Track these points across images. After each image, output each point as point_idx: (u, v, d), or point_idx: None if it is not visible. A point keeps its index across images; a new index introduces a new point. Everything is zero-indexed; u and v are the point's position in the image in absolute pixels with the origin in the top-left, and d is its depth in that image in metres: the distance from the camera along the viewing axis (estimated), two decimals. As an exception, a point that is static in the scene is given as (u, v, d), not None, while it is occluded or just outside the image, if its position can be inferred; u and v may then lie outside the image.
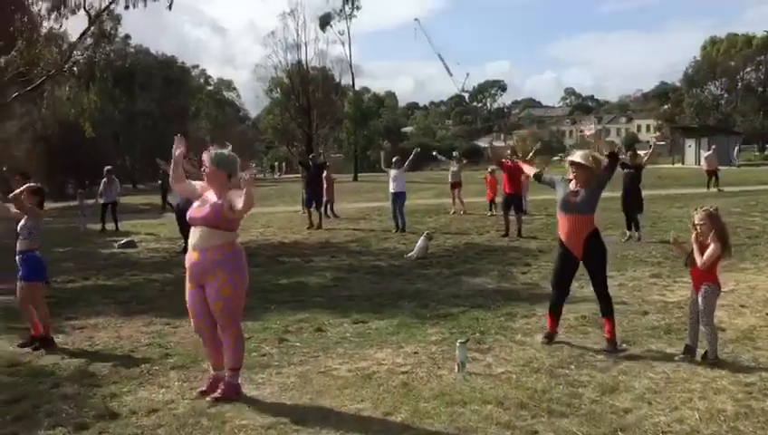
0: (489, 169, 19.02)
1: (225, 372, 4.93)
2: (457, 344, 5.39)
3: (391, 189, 15.62)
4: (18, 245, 6.60)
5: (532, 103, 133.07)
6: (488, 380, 5.10)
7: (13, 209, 6.78)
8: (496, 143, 78.19)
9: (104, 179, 18.66)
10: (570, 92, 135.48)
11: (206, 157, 4.90)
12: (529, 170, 6.86)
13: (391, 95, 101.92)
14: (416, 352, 5.86)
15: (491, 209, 18.00)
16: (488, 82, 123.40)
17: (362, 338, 6.39)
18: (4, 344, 6.64)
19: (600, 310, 5.95)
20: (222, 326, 4.85)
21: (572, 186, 5.84)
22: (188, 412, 4.61)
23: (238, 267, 4.86)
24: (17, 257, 6.59)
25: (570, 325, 6.50)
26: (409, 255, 11.49)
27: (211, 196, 4.88)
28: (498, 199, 16.21)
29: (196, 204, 4.94)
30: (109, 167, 19.18)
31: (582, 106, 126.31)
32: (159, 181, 26.09)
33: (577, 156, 5.85)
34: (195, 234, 4.83)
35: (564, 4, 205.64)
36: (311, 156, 20.47)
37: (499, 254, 11.66)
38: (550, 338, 6.04)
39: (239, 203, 4.67)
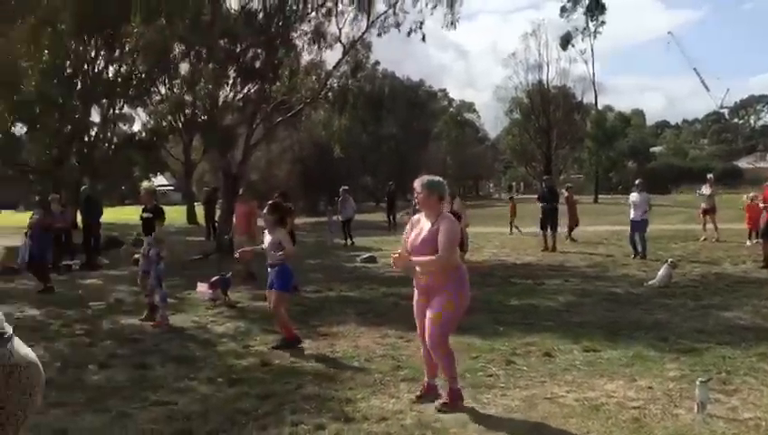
0: (750, 195, 17.31)
1: (444, 381, 5.20)
2: (698, 383, 4.98)
3: (630, 216, 14.85)
4: (269, 258, 7.37)
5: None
6: (732, 425, 4.66)
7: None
8: (760, 164, 70.75)
9: (340, 198, 20.13)
10: None
11: (417, 183, 5.18)
12: None
13: (638, 113, 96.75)
14: (650, 387, 5.52)
15: (750, 238, 16.36)
16: (753, 98, 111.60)
17: (592, 367, 6.17)
18: (259, 346, 7.42)
19: None
20: (432, 339, 5.04)
21: None
22: (415, 424, 4.80)
23: (462, 287, 5.08)
24: (269, 269, 7.37)
25: (839, 373, 5.71)
26: (650, 283, 10.84)
27: (425, 222, 5.14)
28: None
29: (413, 232, 5.22)
30: (345, 187, 20.69)
31: None
32: (387, 199, 27.31)
33: None
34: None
35: None
36: (544, 178, 20.23)
37: (756, 287, 10.56)
38: (812, 386, 5.36)
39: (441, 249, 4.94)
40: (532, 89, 54.41)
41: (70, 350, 7.45)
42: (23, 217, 22.56)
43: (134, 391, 5.78)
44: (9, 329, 2.55)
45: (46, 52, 20.66)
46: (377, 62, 48.96)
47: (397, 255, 5.20)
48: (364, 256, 15.58)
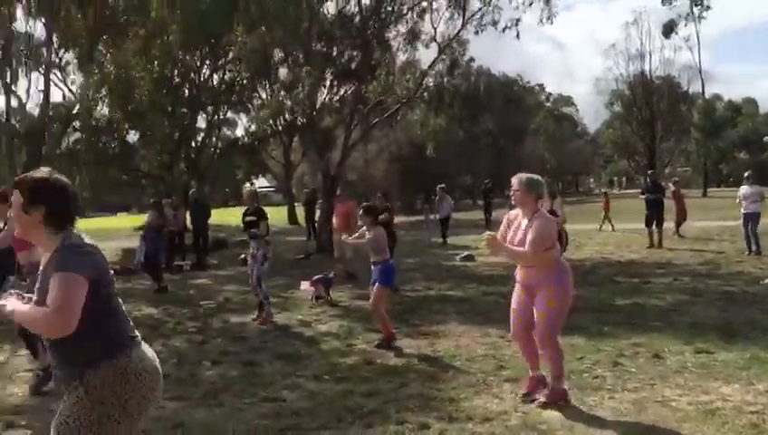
0: None
1: (543, 375, 5.24)
2: (823, 388, 4.71)
3: (742, 209, 14.08)
4: (372, 256, 7.53)
5: None
6: None
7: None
8: None
9: (437, 196, 20.19)
10: None
11: (514, 181, 5.17)
12: None
13: (750, 101, 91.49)
14: (770, 391, 5.26)
15: None
16: None
17: (705, 369, 5.92)
18: (362, 344, 7.56)
19: None
20: (541, 339, 5.10)
21: None
22: (520, 425, 4.76)
23: (564, 284, 5.09)
24: (373, 267, 7.51)
25: None
26: (766, 281, 10.29)
27: (522, 220, 5.16)
28: None
29: (510, 229, 5.25)
30: (441, 185, 20.73)
31: None
32: (485, 199, 27.04)
33: None
34: None
35: None
36: (649, 172, 19.55)
37: None
38: None
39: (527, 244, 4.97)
40: (633, 80, 52.66)
41: (185, 347, 7.84)
42: (135, 220, 23.80)
43: (244, 386, 6.02)
44: (138, 333, 2.78)
45: (156, 62, 21.75)
46: (471, 59, 48.61)
47: (491, 236, 5.17)
48: (462, 255, 15.54)
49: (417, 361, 6.71)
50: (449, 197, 20.99)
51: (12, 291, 2.82)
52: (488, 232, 5.24)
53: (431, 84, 22.76)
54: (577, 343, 6.86)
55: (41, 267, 2.70)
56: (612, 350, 6.66)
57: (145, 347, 2.78)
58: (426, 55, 21.92)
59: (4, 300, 2.70)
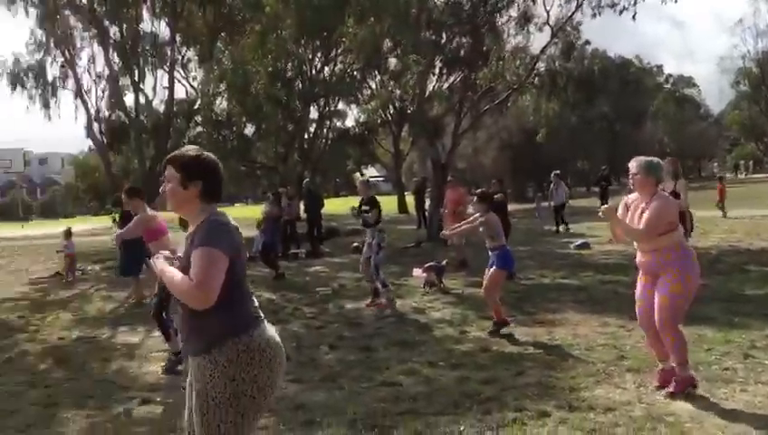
0: None
1: (674, 367, 5.00)
2: None
3: None
4: (488, 243, 7.48)
5: None
6: None
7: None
8: None
9: (552, 183, 19.74)
10: None
11: (633, 164, 5.03)
12: None
13: None
14: None
15: None
16: None
17: None
18: (476, 331, 7.53)
19: None
20: (661, 323, 4.90)
21: None
22: (645, 416, 4.60)
23: (688, 267, 4.91)
24: (490, 253, 7.46)
25: None
26: None
27: (642, 203, 5.01)
28: None
29: (628, 214, 5.11)
30: (556, 171, 20.28)
31: None
32: (601, 185, 26.11)
33: None
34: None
35: None
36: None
37: None
38: None
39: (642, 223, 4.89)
40: (762, 57, 49.39)
41: (303, 331, 8.09)
42: (253, 211, 24.70)
43: (362, 371, 6.14)
44: (261, 313, 2.90)
45: (270, 57, 22.43)
46: (587, 42, 47.04)
47: (610, 207, 5.11)
48: (577, 243, 15.14)
49: (534, 349, 6.62)
50: (563, 183, 20.49)
51: (163, 252, 2.99)
52: (605, 205, 5.17)
53: (543, 69, 22.22)
54: (704, 333, 6.55)
55: (185, 240, 2.86)
56: (743, 341, 6.31)
57: (267, 325, 2.89)
58: (537, 40, 21.47)
59: (156, 258, 2.88)
